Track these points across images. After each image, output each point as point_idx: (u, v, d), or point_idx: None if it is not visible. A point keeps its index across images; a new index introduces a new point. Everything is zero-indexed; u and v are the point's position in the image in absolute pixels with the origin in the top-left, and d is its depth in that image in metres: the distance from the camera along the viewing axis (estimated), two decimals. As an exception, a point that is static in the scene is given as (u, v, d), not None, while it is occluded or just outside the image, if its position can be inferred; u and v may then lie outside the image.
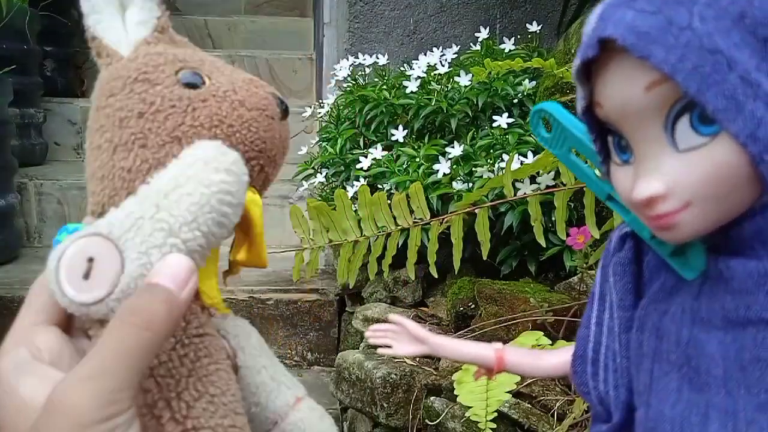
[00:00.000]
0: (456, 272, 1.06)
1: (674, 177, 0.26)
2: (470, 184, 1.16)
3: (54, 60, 2.18)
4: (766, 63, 0.25)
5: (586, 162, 0.36)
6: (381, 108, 1.37)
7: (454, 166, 1.18)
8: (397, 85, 1.40)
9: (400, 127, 1.33)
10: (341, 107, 1.50)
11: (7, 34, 1.78)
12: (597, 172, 0.34)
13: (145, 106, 0.39)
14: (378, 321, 1.32)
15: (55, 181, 1.75)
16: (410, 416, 1.03)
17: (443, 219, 1.05)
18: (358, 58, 1.53)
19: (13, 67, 1.68)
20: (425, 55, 1.45)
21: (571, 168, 0.37)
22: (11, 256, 1.62)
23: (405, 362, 1.08)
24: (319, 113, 1.56)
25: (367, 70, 1.53)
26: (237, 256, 0.41)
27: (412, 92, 1.34)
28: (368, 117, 1.38)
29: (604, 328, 0.35)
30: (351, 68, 1.53)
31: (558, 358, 0.39)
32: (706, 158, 0.26)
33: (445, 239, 1.05)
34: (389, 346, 0.43)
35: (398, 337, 0.43)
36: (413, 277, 1.14)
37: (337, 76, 1.54)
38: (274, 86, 0.42)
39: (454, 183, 1.17)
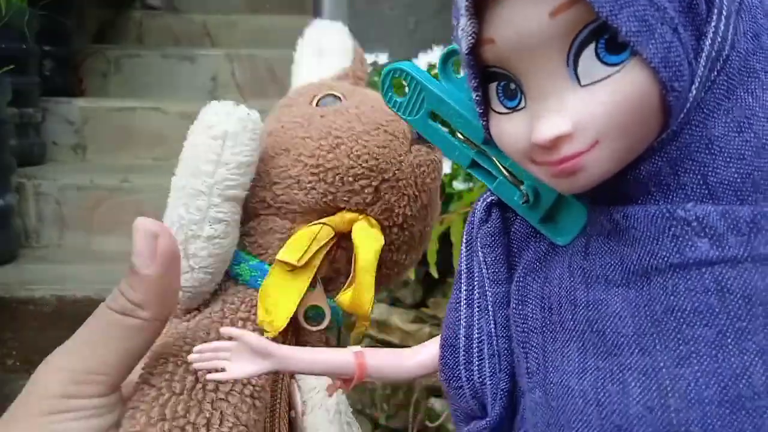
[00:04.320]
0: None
1: (580, 113, 0.24)
2: (471, 184, 1.15)
3: (53, 60, 2.17)
4: None
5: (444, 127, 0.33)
6: (381, 107, 1.36)
7: (455, 166, 1.17)
8: (398, 84, 1.39)
9: (401, 127, 1.32)
10: (341, 107, 1.49)
11: (5, 33, 1.77)
12: (459, 136, 0.32)
13: (277, 126, 0.42)
14: (378, 322, 1.31)
15: (54, 181, 1.74)
16: (411, 418, 1.03)
17: (443, 219, 1.04)
18: (357, 57, 1.52)
19: (11, 67, 1.67)
20: (426, 53, 1.44)
21: (429, 135, 0.33)
22: (9, 256, 1.61)
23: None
24: (319, 113, 1.55)
25: (368, 69, 1.52)
26: (341, 297, 0.40)
27: (412, 91, 1.34)
28: (368, 116, 1.38)
29: (475, 308, 0.31)
30: (351, 67, 1.52)
31: (423, 354, 0.34)
32: (615, 89, 0.24)
33: (445, 239, 1.04)
34: (223, 369, 0.33)
35: (235, 355, 0.33)
36: (413, 278, 1.13)
37: (336, 75, 1.53)
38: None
39: (454, 182, 1.17)
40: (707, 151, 0.25)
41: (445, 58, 0.33)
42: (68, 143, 2.08)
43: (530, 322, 0.29)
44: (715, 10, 0.25)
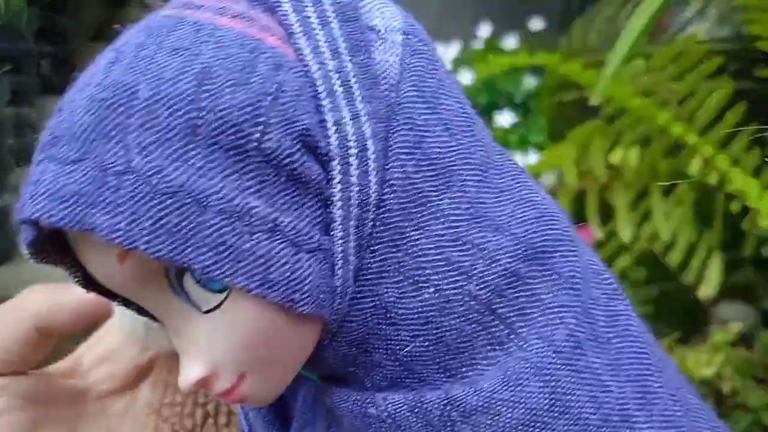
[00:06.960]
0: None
1: (213, 349, 0.20)
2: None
3: (51, 59, 2.17)
4: (248, 177, 0.19)
5: None
6: (381, 106, 1.36)
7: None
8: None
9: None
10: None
11: (3, 33, 1.77)
12: None
13: None
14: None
15: (52, 181, 1.73)
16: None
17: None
18: (358, 56, 1.52)
19: (9, 66, 1.67)
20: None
21: None
22: (6, 256, 1.61)
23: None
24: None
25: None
26: None
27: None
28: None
29: None
30: (351, 66, 1.52)
31: None
32: (233, 318, 0.20)
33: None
34: None
35: None
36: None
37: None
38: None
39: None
40: (387, 323, 0.21)
41: None
42: (67, 143, 2.07)
43: None
44: (335, 163, 0.20)
